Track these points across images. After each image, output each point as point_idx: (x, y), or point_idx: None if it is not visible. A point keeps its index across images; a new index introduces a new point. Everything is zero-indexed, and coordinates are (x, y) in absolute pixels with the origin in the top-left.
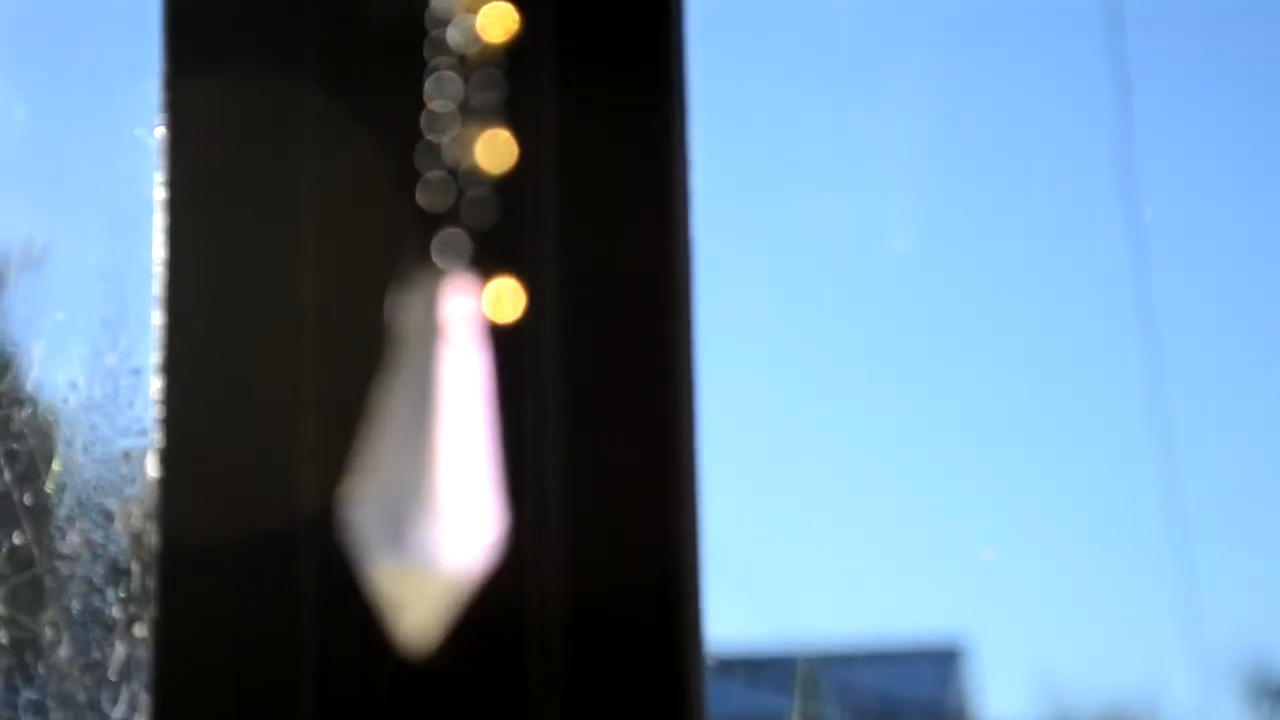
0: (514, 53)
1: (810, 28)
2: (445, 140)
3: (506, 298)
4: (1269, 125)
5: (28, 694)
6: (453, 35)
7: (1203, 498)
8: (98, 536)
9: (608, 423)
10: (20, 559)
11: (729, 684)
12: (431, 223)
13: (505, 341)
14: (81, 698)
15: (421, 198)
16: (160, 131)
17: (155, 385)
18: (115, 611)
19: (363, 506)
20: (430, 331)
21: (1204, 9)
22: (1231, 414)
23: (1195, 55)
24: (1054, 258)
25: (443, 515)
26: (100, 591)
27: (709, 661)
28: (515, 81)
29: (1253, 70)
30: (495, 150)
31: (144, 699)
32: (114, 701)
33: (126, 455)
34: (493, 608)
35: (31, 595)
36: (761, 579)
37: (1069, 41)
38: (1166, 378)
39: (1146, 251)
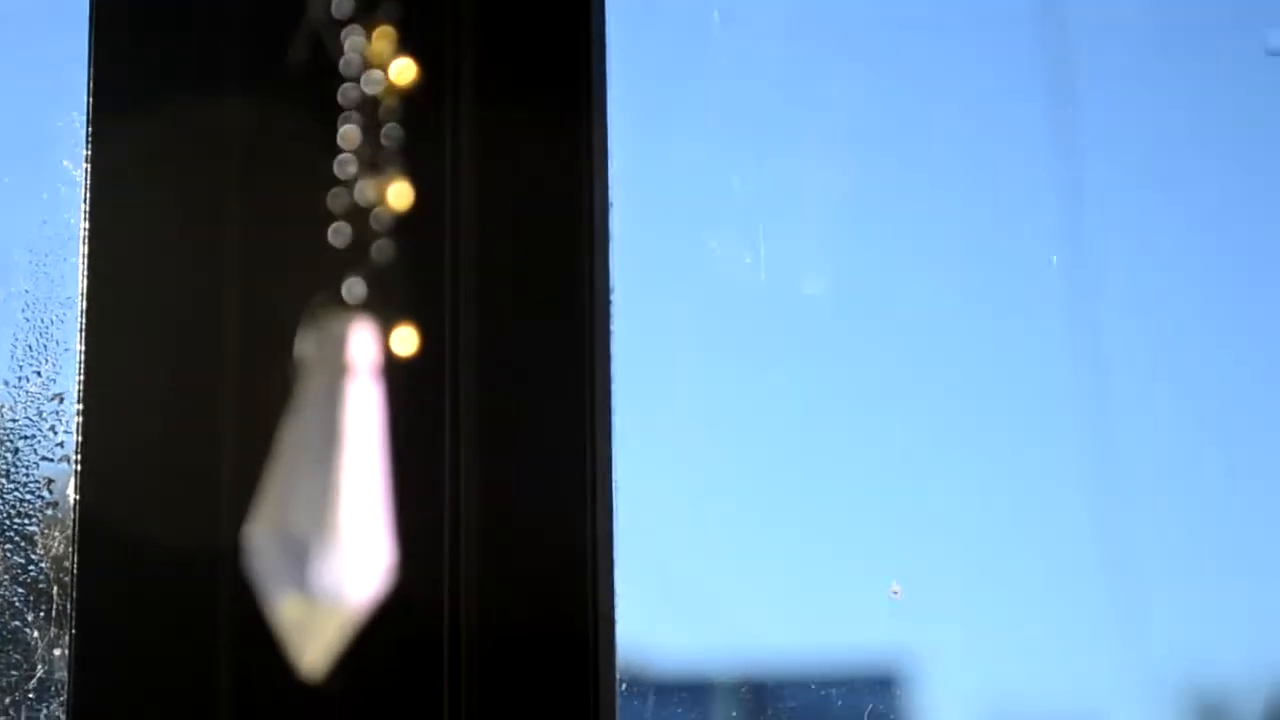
0: (425, 101)
1: (729, 75)
2: (356, 183)
3: (408, 334)
4: (1213, 164)
5: None
6: (361, 85)
7: (1144, 516)
8: (19, 559)
9: (519, 456)
10: None
11: (663, 708)
12: (341, 262)
13: (412, 375)
14: None
15: (332, 238)
16: (85, 162)
17: (77, 412)
18: (35, 634)
19: (266, 538)
20: (334, 367)
21: (1146, 46)
22: (1173, 430)
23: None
24: (975, 301)
25: (342, 547)
26: (21, 613)
27: (642, 685)
28: (426, 127)
29: (1200, 104)
30: (399, 194)
31: None
32: None
33: (48, 481)
34: (408, 631)
35: None
36: (695, 601)
37: (998, 86)
38: (1105, 397)
39: (1094, 286)
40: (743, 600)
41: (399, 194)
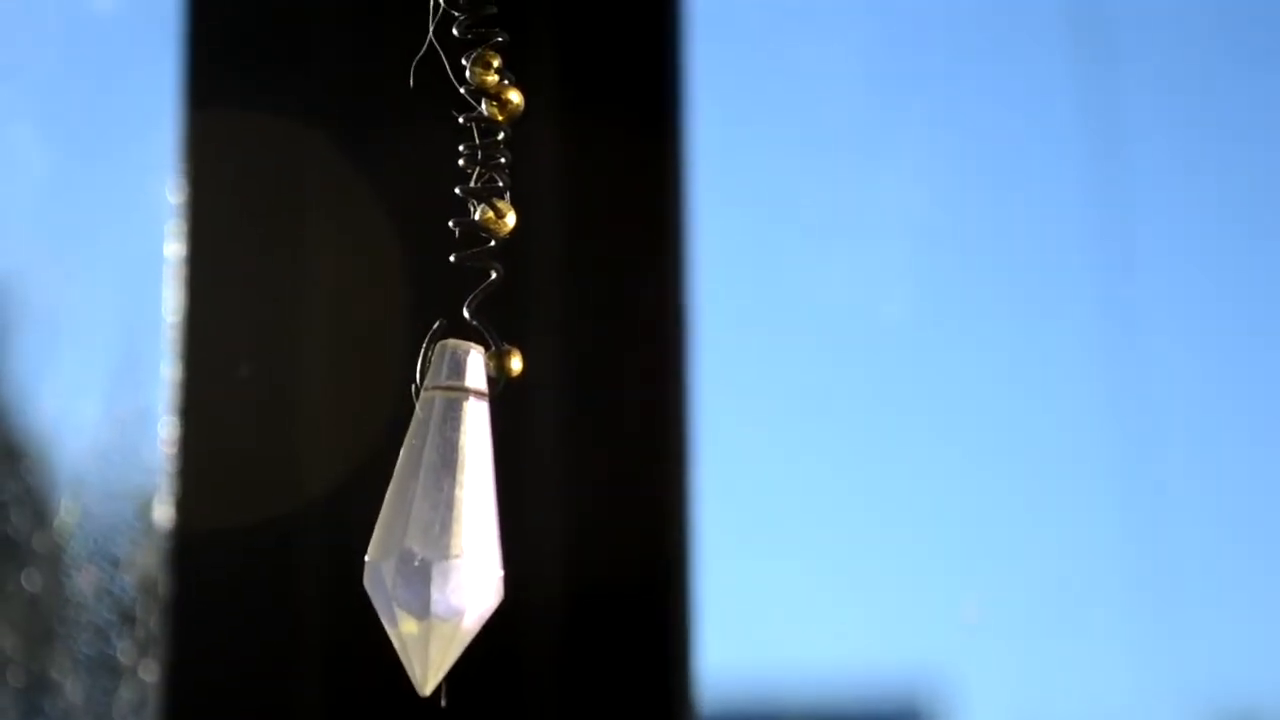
0: (518, 123)
1: (812, 94)
2: (470, 206)
3: (514, 355)
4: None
5: None
6: (478, 106)
7: (1176, 531)
8: (106, 581)
9: (608, 474)
10: (31, 603)
11: None
12: (452, 283)
13: (513, 396)
14: None
15: (442, 258)
16: (176, 184)
17: (166, 433)
18: (122, 655)
19: (384, 562)
20: (449, 391)
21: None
22: (1206, 442)
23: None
24: (1043, 328)
25: (461, 567)
26: (107, 635)
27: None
28: (520, 150)
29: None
30: (504, 214)
31: None
32: None
33: (137, 501)
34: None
35: (42, 638)
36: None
37: (1069, 115)
38: (1142, 410)
39: (1133, 319)
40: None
41: (508, 218)
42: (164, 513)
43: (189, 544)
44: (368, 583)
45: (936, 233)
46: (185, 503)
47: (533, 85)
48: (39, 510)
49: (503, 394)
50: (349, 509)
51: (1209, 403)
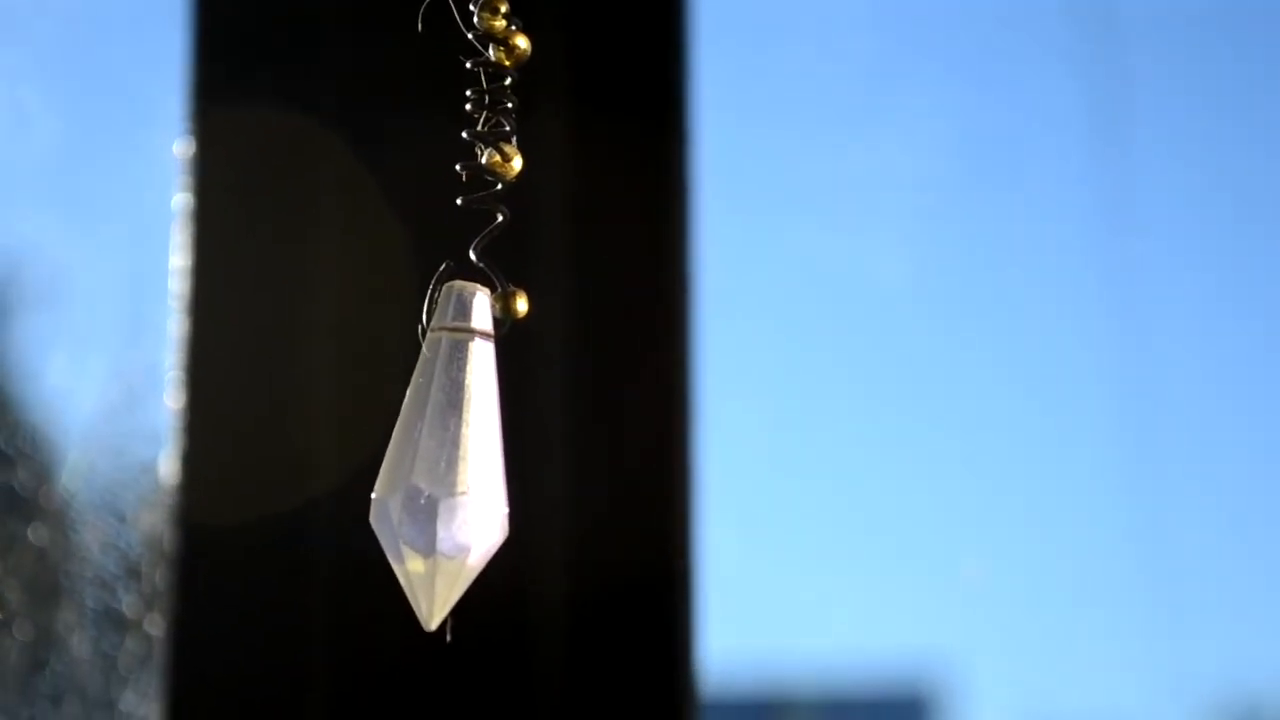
0: (528, 73)
1: (813, 63)
2: (476, 149)
3: (519, 296)
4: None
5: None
6: (480, 50)
7: (1181, 523)
8: (112, 536)
9: (611, 421)
10: (38, 558)
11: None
12: (458, 225)
13: (519, 340)
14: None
15: (448, 201)
16: (185, 143)
17: (172, 392)
18: (128, 609)
19: (390, 498)
20: (453, 330)
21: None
22: (1210, 437)
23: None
24: (1043, 298)
25: (467, 504)
26: (112, 590)
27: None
28: (529, 100)
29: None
30: (510, 158)
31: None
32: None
33: (143, 457)
34: (498, 594)
35: (49, 592)
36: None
37: (1069, 84)
38: (1147, 403)
39: (1135, 290)
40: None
41: (515, 161)
42: (169, 467)
43: (194, 498)
44: (374, 519)
45: (938, 203)
46: (191, 457)
47: (536, 52)
48: (46, 465)
49: (507, 337)
50: (357, 461)
51: (1212, 389)
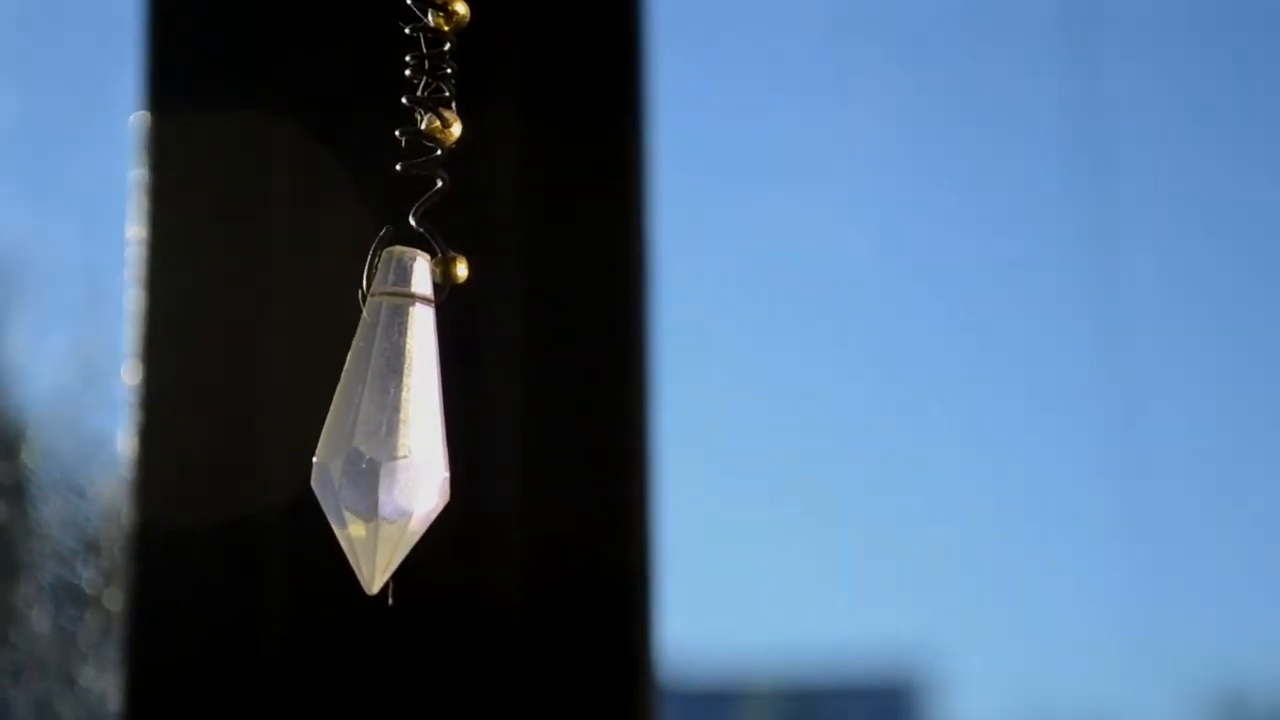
0: (481, 39)
1: (772, 34)
2: (416, 116)
3: (459, 262)
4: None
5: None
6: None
7: (1171, 517)
8: (72, 511)
9: (564, 392)
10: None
11: (680, 717)
12: (399, 191)
13: (467, 309)
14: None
15: (386, 170)
16: (140, 119)
17: (130, 367)
18: (87, 584)
19: (331, 463)
20: (395, 297)
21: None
22: (1200, 432)
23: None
24: (1010, 261)
25: (408, 468)
26: (72, 564)
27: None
28: (480, 67)
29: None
30: (450, 124)
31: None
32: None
33: (100, 434)
34: (456, 582)
35: (9, 568)
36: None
37: (1032, 49)
38: (1133, 396)
39: (1107, 251)
40: (760, 591)
41: (454, 127)
42: (127, 442)
43: (151, 473)
44: (315, 484)
45: (902, 170)
46: (148, 432)
47: (488, 17)
48: (4, 442)
49: (466, 317)
50: (313, 434)
51: (1197, 379)
